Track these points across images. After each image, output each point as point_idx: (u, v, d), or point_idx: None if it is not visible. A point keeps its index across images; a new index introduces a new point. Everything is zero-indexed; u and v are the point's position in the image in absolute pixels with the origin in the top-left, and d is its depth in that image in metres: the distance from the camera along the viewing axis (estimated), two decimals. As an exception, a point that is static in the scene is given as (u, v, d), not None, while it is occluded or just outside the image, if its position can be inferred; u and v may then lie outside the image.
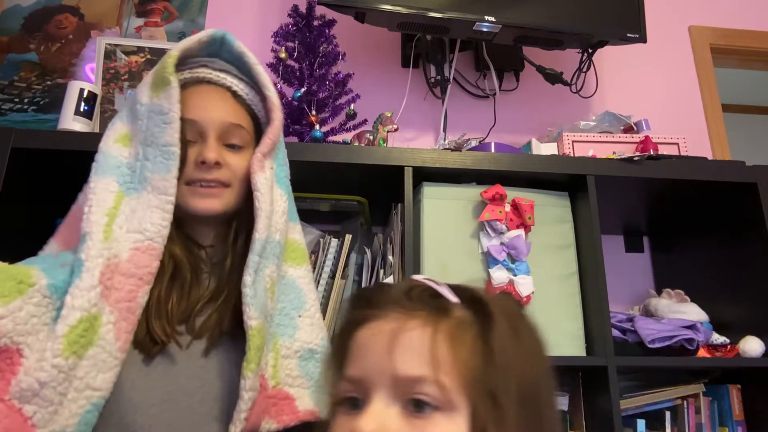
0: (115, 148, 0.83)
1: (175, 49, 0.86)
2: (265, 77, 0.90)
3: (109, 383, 0.71)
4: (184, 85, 0.88)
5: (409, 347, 0.51)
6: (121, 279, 0.75)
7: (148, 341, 0.76)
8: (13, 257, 1.24)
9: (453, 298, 0.54)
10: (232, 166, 0.86)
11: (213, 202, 0.85)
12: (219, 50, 0.91)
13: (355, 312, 0.57)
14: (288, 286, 0.88)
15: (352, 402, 0.52)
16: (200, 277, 0.85)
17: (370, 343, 0.53)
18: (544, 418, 0.53)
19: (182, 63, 0.89)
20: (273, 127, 0.88)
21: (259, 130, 0.92)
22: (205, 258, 0.87)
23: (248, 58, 0.90)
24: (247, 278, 0.78)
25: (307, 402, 0.81)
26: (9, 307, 0.66)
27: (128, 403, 0.72)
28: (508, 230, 1.31)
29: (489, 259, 1.30)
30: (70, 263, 0.75)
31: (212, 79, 0.90)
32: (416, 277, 0.59)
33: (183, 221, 0.86)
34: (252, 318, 0.76)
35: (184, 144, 0.84)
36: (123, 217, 0.78)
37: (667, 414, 1.38)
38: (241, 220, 0.87)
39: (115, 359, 0.72)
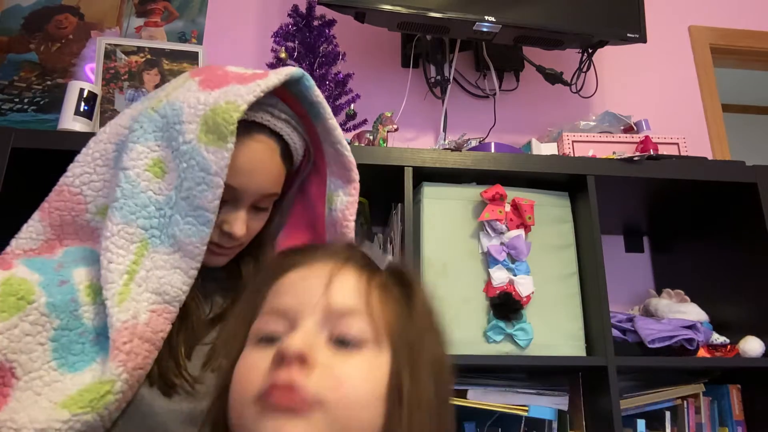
0: (145, 179, 0.73)
1: (251, 94, 0.71)
2: (341, 136, 0.82)
3: None
4: (238, 128, 0.71)
5: (346, 284, 0.52)
6: (139, 343, 0.69)
7: (163, 384, 0.72)
8: (13, 257, 1.24)
9: (381, 263, 0.56)
10: (251, 230, 0.81)
11: (224, 260, 0.81)
12: (294, 88, 0.79)
13: (280, 262, 0.57)
14: None
15: (268, 339, 0.51)
16: (205, 304, 0.81)
17: (303, 280, 0.53)
18: (445, 399, 0.54)
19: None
20: (353, 199, 0.85)
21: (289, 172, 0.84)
22: (211, 284, 0.83)
23: (324, 111, 0.80)
24: None
25: None
26: (6, 324, 0.64)
27: (157, 425, 0.70)
28: (508, 230, 1.31)
29: (489, 259, 1.30)
30: (68, 280, 0.72)
31: (271, 128, 0.77)
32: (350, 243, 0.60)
33: None
34: None
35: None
36: (144, 273, 0.71)
37: (667, 414, 1.38)
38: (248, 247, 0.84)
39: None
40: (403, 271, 0.57)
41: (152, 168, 0.74)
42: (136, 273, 0.71)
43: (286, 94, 0.79)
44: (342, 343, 0.49)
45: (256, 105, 0.74)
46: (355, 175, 0.85)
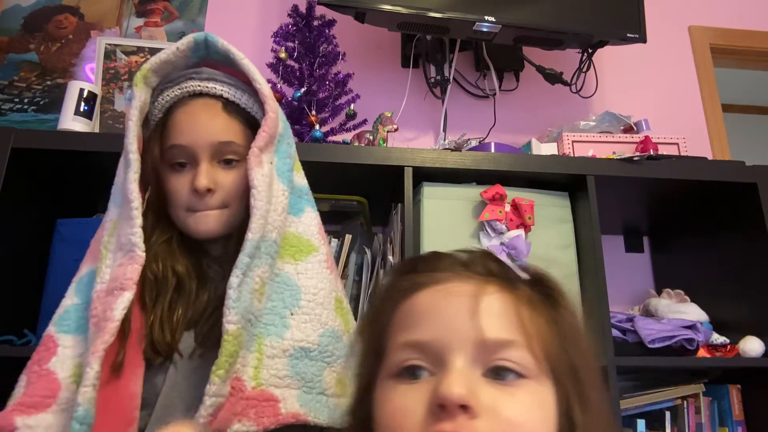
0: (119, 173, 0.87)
1: (148, 63, 0.86)
2: (254, 70, 0.88)
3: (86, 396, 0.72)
4: (175, 104, 0.88)
5: (493, 310, 0.46)
6: (105, 299, 0.78)
7: (151, 353, 0.78)
8: (14, 257, 1.24)
9: (522, 274, 0.51)
10: (227, 186, 0.86)
11: (212, 225, 0.85)
12: (207, 53, 0.90)
13: (405, 278, 0.51)
14: (281, 284, 0.85)
15: (411, 372, 0.46)
16: (206, 287, 0.85)
17: (442, 305, 0.47)
18: (607, 409, 0.50)
19: (169, 79, 0.89)
20: (267, 119, 0.85)
21: (257, 129, 0.88)
22: (216, 268, 0.87)
23: (234, 54, 0.88)
24: (233, 279, 0.76)
25: (292, 404, 0.79)
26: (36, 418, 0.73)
27: (137, 404, 0.76)
28: (508, 230, 1.31)
29: (489, 259, 1.30)
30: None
31: (200, 90, 0.88)
32: (469, 247, 0.54)
33: (190, 237, 0.87)
34: (230, 322, 0.74)
35: (179, 167, 0.86)
36: (114, 240, 0.82)
37: (667, 414, 1.38)
38: (244, 228, 0.84)
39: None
40: (545, 278, 0.52)
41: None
42: (109, 246, 0.82)
43: (213, 63, 0.91)
44: (499, 374, 0.44)
45: (184, 78, 0.88)
46: (266, 107, 0.87)
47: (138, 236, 0.79)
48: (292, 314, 0.83)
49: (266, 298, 0.82)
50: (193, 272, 0.85)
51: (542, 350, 0.46)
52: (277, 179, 0.86)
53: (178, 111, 0.87)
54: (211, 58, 0.91)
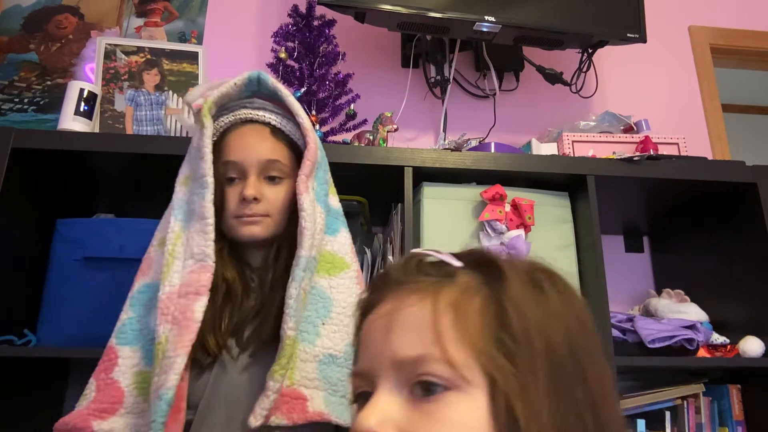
0: (179, 191, 0.98)
1: (212, 96, 0.97)
2: (298, 106, 1.00)
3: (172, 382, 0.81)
4: (229, 128, 1.01)
5: (406, 326, 0.45)
6: (178, 300, 0.87)
7: (201, 354, 0.87)
8: (14, 257, 1.24)
9: (455, 262, 0.48)
10: (270, 198, 0.97)
11: (255, 229, 0.96)
12: (258, 89, 1.02)
13: (364, 300, 0.53)
14: (316, 296, 0.95)
15: (366, 397, 0.47)
16: (250, 295, 0.96)
17: (370, 330, 0.49)
18: (587, 385, 0.44)
19: (224, 107, 1.01)
20: (309, 150, 0.97)
21: (300, 156, 1.00)
22: (254, 277, 0.98)
23: (281, 92, 1.00)
24: (293, 291, 0.87)
25: (318, 404, 0.87)
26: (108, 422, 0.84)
27: (184, 395, 0.85)
28: (508, 230, 1.31)
29: (489, 259, 1.30)
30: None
31: (252, 118, 1.00)
32: (415, 250, 0.52)
33: (236, 247, 0.99)
34: (290, 329, 0.85)
35: (230, 181, 0.97)
36: (181, 249, 0.92)
37: (667, 414, 1.38)
38: (282, 241, 0.97)
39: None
40: (481, 257, 0.48)
41: (184, 182, 0.98)
42: (175, 254, 0.91)
43: (262, 97, 1.03)
44: (426, 388, 0.43)
45: (238, 107, 1.01)
46: (308, 139, 0.98)
47: (211, 249, 0.89)
48: (323, 324, 0.94)
49: (303, 309, 0.92)
50: (239, 281, 0.95)
51: (469, 350, 0.43)
52: (316, 202, 0.97)
53: (232, 134, 1.00)
54: (261, 93, 1.03)
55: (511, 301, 0.44)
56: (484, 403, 0.42)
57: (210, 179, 0.92)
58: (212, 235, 0.90)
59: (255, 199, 0.95)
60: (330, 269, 0.98)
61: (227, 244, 0.98)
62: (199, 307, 0.85)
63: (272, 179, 0.98)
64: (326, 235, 1.00)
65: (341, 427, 0.89)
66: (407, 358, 0.44)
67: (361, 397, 0.48)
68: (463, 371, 0.42)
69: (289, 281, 0.87)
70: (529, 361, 0.42)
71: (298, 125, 1.01)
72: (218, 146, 0.99)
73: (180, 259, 0.90)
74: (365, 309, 0.51)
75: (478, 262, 0.48)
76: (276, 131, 1.01)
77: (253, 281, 0.98)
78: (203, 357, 0.87)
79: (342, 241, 1.02)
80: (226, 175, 0.97)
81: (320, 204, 0.98)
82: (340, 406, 0.89)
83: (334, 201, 1.05)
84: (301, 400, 0.87)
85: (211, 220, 0.90)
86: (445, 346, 0.43)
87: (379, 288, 0.51)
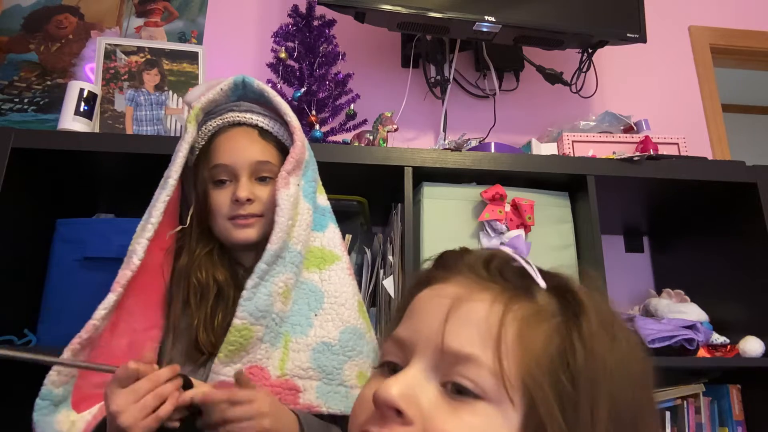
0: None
1: (199, 102, 1.00)
2: (285, 105, 1.02)
3: None
4: (217, 132, 1.02)
5: (468, 319, 0.43)
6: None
7: (195, 352, 0.89)
8: (14, 257, 1.24)
9: (540, 281, 0.46)
10: (263, 198, 0.98)
11: (249, 232, 0.97)
12: (244, 92, 1.04)
13: (426, 272, 0.51)
14: (307, 290, 0.97)
15: (391, 367, 0.45)
16: (233, 288, 0.97)
17: (428, 305, 0.46)
18: None
19: (211, 112, 1.04)
20: (295, 147, 0.99)
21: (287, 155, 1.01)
22: (247, 277, 0.96)
23: (268, 93, 1.02)
24: (249, 282, 0.89)
25: (310, 395, 0.89)
26: None
27: None
28: (508, 230, 1.31)
29: (489, 259, 1.30)
30: None
31: (240, 121, 1.02)
32: (506, 249, 0.49)
33: (227, 248, 1.01)
34: (238, 317, 0.87)
35: (220, 184, 0.99)
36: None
37: (667, 414, 1.38)
38: None
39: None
40: (566, 289, 0.46)
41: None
42: None
43: (249, 100, 1.06)
44: (459, 391, 0.41)
45: (225, 111, 1.03)
46: (295, 137, 1.00)
47: (141, 247, 0.90)
48: (316, 315, 0.96)
49: (292, 302, 0.95)
50: (231, 281, 0.97)
51: (522, 371, 0.41)
52: (302, 199, 0.99)
53: (221, 137, 1.01)
54: (248, 97, 1.05)
55: (582, 341, 0.42)
56: (516, 427, 0.40)
57: (172, 181, 0.95)
58: (149, 234, 0.91)
59: (248, 199, 0.96)
60: (320, 263, 1.00)
61: (217, 245, 1.00)
62: (105, 304, 0.87)
63: (263, 179, 1.00)
64: (314, 231, 1.02)
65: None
66: (457, 351, 0.42)
67: (387, 366, 0.46)
68: (508, 389, 0.40)
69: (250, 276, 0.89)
70: (594, 405, 0.40)
71: (285, 125, 1.03)
72: (206, 150, 1.01)
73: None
74: (423, 281, 0.49)
75: (560, 288, 0.46)
76: (264, 133, 1.03)
77: (245, 282, 0.98)
78: (197, 355, 0.89)
79: (330, 236, 1.04)
80: (216, 178, 0.99)
81: (308, 201, 1.00)
82: (336, 395, 0.90)
83: (322, 199, 1.07)
84: (294, 391, 0.88)
85: (155, 220, 0.92)
86: (500, 357, 0.41)
87: (448, 267, 0.49)
